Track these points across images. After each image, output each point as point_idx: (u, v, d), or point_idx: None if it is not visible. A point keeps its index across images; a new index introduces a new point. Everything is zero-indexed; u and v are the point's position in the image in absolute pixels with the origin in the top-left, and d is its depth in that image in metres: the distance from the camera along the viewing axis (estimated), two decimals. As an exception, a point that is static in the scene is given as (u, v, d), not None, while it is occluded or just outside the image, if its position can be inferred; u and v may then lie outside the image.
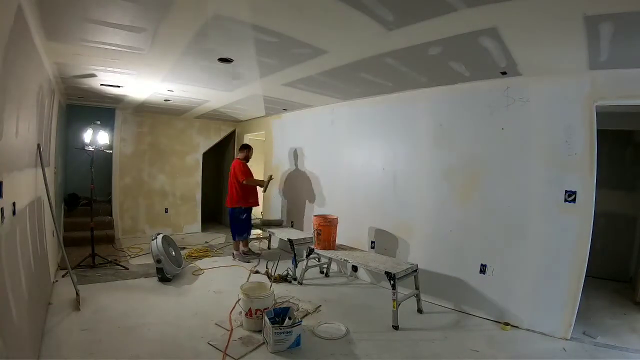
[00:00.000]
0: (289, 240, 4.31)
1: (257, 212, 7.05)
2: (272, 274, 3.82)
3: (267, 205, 6.17)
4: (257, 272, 4.23)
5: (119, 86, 3.96)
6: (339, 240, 3.94)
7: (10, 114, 1.73)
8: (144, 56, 2.80)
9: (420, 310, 3.21)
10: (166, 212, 6.33)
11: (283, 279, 3.94)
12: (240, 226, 4.78)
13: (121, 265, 4.17)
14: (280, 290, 3.51)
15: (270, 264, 4.15)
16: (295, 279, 3.95)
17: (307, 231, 4.80)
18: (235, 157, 5.05)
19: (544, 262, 2.81)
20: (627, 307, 3.39)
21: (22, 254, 1.98)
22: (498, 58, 2.52)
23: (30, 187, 2.39)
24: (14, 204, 1.75)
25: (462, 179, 3.30)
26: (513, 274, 2.97)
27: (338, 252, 3.71)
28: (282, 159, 5.71)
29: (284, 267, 4.20)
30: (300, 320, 2.60)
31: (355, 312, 3.19)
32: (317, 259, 4.31)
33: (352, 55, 2.67)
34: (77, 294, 3.06)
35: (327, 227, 3.80)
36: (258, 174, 7.00)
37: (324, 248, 3.79)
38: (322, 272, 4.30)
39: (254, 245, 5.54)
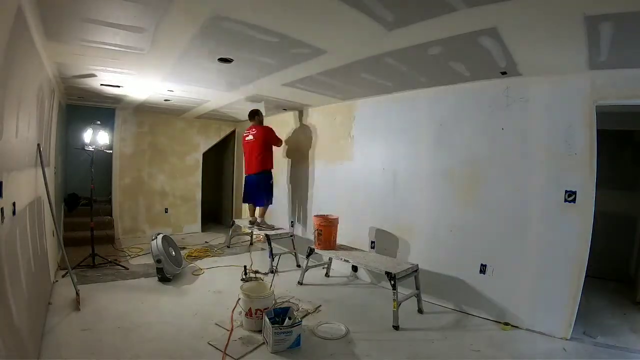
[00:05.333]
0: (266, 235, 4.54)
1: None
2: (247, 273, 3.77)
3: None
4: (257, 271, 4.22)
5: (119, 86, 3.96)
6: (339, 241, 3.94)
7: (10, 114, 1.73)
8: (144, 56, 2.80)
9: (420, 311, 3.21)
10: (166, 212, 6.33)
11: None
12: (271, 189, 4.84)
13: (121, 265, 4.17)
14: (280, 290, 3.51)
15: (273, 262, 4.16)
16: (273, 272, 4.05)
17: (308, 231, 4.81)
18: (253, 124, 4.81)
19: (544, 262, 2.81)
20: (627, 307, 3.39)
21: (22, 254, 1.98)
22: (498, 58, 2.52)
23: (30, 187, 2.39)
24: (14, 204, 1.76)
25: (462, 179, 3.29)
26: (513, 274, 2.97)
27: (338, 252, 3.71)
28: (282, 158, 5.70)
29: (283, 266, 4.20)
30: (300, 320, 2.60)
31: (355, 312, 3.19)
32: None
33: (352, 55, 2.67)
34: (77, 294, 3.06)
35: (327, 227, 3.80)
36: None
37: (325, 248, 3.79)
38: (327, 276, 4.29)
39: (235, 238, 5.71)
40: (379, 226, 4.00)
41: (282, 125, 5.67)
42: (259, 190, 4.75)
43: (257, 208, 4.89)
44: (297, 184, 5.34)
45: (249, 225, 5.04)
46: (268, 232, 4.58)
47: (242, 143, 5.06)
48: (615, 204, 4.08)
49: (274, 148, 4.89)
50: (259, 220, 4.90)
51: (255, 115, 4.82)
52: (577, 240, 2.65)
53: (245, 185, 4.97)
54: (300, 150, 5.27)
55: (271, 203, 4.87)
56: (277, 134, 4.87)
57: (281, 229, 4.93)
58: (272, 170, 4.88)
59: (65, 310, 2.88)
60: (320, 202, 4.82)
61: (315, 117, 5.00)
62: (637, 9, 1.67)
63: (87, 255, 4.06)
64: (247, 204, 5.07)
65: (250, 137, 4.75)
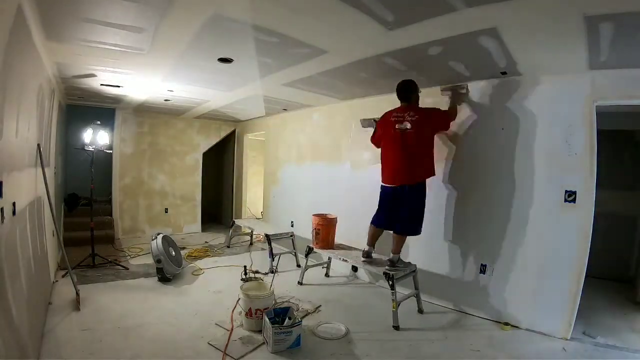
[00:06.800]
0: (266, 235, 4.46)
1: (257, 212, 7.09)
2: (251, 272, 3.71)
3: (266, 205, 6.17)
4: (257, 271, 4.22)
5: (119, 86, 3.96)
6: (339, 240, 3.94)
7: (10, 114, 1.73)
8: (144, 56, 2.80)
9: (420, 310, 3.21)
10: (166, 212, 6.34)
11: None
12: (423, 211, 3.11)
13: (121, 265, 4.17)
14: (280, 290, 3.51)
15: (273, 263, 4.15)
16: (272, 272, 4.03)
17: (308, 230, 4.80)
18: (405, 105, 3.09)
19: (544, 262, 2.80)
20: (627, 307, 3.39)
21: (22, 254, 1.98)
22: (498, 58, 2.52)
23: (30, 187, 2.39)
24: (14, 204, 1.76)
25: (462, 179, 3.29)
26: (513, 274, 2.96)
27: (337, 252, 3.70)
28: (282, 158, 5.71)
29: (283, 266, 4.19)
30: (300, 320, 2.59)
31: (355, 312, 3.19)
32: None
33: (352, 55, 2.68)
34: (77, 294, 3.06)
35: (326, 226, 3.80)
36: (258, 175, 7.03)
37: (323, 247, 3.79)
38: (327, 276, 4.30)
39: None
40: (379, 226, 3.99)
41: (282, 125, 5.68)
42: (408, 211, 3.06)
43: (395, 236, 3.13)
44: (297, 183, 5.34)
45: (365, 259, 3.26)
46: (268, 232, 4.54)
47: (383, 126, 3.22)
48: (615, 204, 4.08)
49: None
50: (392, 256, 3.11)
51: (411, 91, 3.08)
52: (577, 240, 2.65)
53: (383, 199, 3.26)
54: (298, 150, 5.28)
55: (420, 233, 3.13)
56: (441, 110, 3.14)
57: (414, 265, 3.26)
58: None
59: (65, 310, 2.88)
60: (319, 201, 4.82)
61: (313, 117, 5.00)
62: (637, 9, 1.67)
63: (87, 255, 4.06)
64: (373, 226, 3.32)
65: (407, 125, 2.99)
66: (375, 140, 3.41)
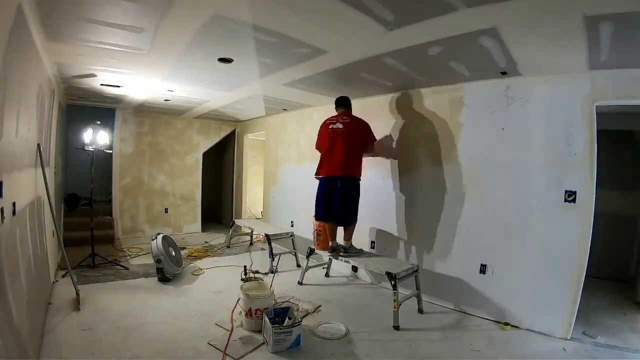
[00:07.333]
0: (266, 235, 4.47)
1: (257, 212, 7.09)
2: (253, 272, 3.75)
3: (266, 205, 6.18)
4: (257, 271, 4.23)
5: (119, 86, 3.96)
6: (338, 240, 3.93)
7: (10, 114, 1.73)
8: (144, 56, 2.81)
9: (420, 311, 3.21)
10: (166, 212, 6.34)
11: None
12: (357, 202, 3.51)
13: (121, 265, 4.17)
14: (280, 290, 3.51)
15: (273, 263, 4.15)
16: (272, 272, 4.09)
17: (308, 230, 4.80)
18: (342, 111, 3.60)
19: (544, 262, 2.80)
20: (627, 307, 3.38)
21: (22, 254, 1.98)
22: (498, 58, 2.52)
23: (30, 187, 2.39)
24: (14, 204, 1.76)
25: (462, 179, 3.29)
26: (513, 274, 2.97)
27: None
28: (282, 159, 5.71)
29: (283, 266, 4.19)
30: (300, 320, 2.59)
31: (356, 312, 3.19)
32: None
33: (352, 55, 2.68)
34: (77, 294, 3.06)
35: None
36: (258, 175, 7.03)
37: (324, 248, 3.79)
38: (327, 276, 4.30)
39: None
40: (379, 226, 4.00)
41: (282, 125, 5.68)
42: (346, 202, 3.42)
43: (342, 229, 3.58)
44: (297, 184, 5.34)
45: (330, 254, 3.65)
46: (268, 232, 4.54)
47: (321, 132, 3.66)
48: (615, 204, 4.08)
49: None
50: (344, 243, 3.58)
51: (349, 104, 3.67)
52: (577, 240, 2.65)
53: (320, 191, 3.57)
54: (298, 150, 5.27)
55: (354, 223, 3.58)
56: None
57: (368, 252, 3.78)
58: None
59: (65, 310, 2.88)
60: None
61: (312, 117, 5.00)
62: (637, 9, 1.67)
63: (87, 255, 4.06)
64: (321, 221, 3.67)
65: (340, 125, 3.45)
66: (318, 145, 3.75)
